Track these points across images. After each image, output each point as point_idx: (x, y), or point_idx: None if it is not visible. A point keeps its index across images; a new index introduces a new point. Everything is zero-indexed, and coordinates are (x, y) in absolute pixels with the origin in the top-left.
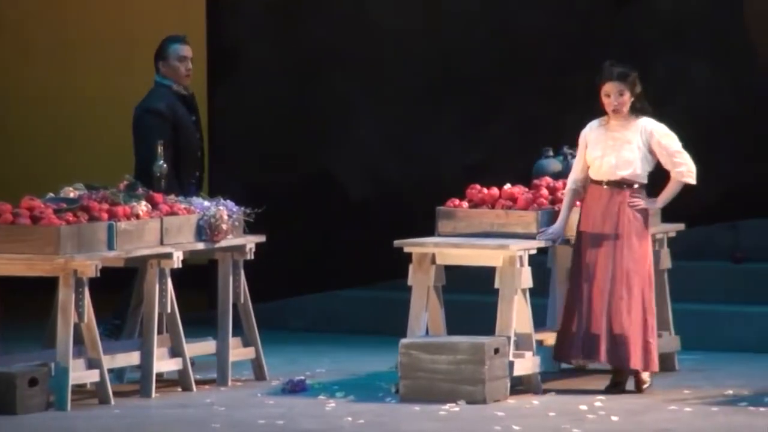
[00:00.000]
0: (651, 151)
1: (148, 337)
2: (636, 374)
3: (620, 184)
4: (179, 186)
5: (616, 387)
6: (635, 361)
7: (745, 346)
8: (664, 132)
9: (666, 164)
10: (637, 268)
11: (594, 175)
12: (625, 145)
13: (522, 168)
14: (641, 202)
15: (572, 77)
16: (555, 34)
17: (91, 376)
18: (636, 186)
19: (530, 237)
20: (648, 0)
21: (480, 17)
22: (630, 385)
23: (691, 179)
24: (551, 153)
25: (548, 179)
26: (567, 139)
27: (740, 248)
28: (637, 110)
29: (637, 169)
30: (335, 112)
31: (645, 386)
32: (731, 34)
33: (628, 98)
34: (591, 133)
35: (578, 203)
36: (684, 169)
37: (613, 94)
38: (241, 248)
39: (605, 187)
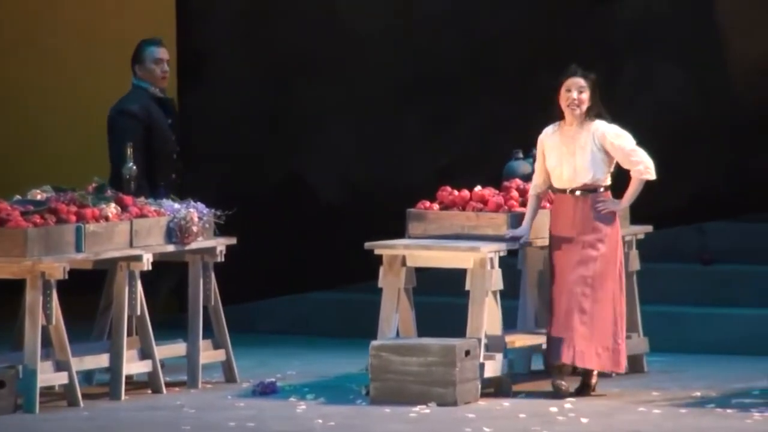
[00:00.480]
0: (607, 153)
1: (118, 339)
2: (589, 376)
3: (584, 191)
4: (149, 188)
5: (585, 389)
6: (604, 363)
7: (713, 347)
8: (616, 133)
9: (624, 164)
10: (608, 270)
11: (556, 183)
12: (579, 151)
13: (492, 170)
14: (608, 206)
15: (541, 79)
16: (524, 36)
17: (60, 379)
18: (600, 189)
19: (501, 239)
20: (616, 3)
21: (449, 20)
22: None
23: (650, 175)
24: (521, 155)
25: (518, 181)
26: (537, 141)
27: (707, 250)
28: (593, 114)
29: (596, 173)
30: (306, 115)
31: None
32: (698, 36)
33: (587, 99)
34: (547, 139)
35: (548, 205)
36: (642, 167)
37: (575, 89)
38: (211, 250)
39: (569, 194)
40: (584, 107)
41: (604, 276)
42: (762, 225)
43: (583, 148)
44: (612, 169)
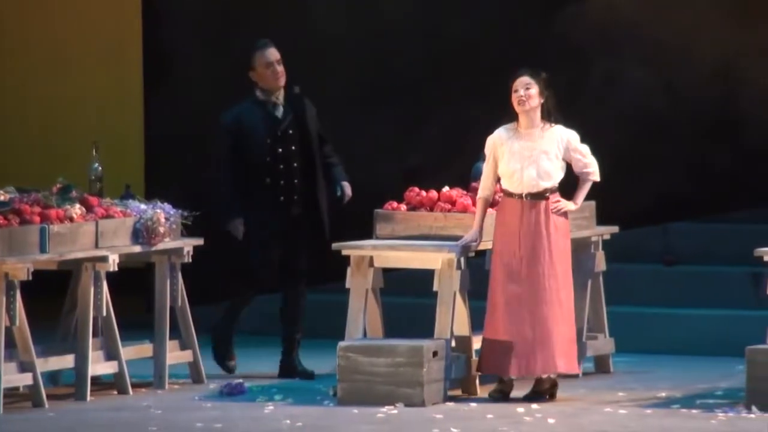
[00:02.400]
0: (564, 159)
1: (83, 340)
2: (541, 379)
3: (541, 195)
4: (242, 197)
5: (536, 395)
6: (561, 365)
7: (678, 348)
8: (577, 137)
9: (578, 167)
10: (564, 271)
11: (511, 187)
12: (542, 155)
13: (460, 171)
14: (564, 207)
15: (508, 81)
16: (489, 38)
17: (24, 380)
18: (555, 193)
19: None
20: (580, 3)
21: (415, 22)
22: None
23: (598, 176)
24: None
25: None
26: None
27: (670, 251)
28: (548, 116)
29: (556, 179)
30: None
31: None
32: (663, 38)
33: (536, 94)
34: (502, 144)
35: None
36: (594, 170)
37: (521, 87)
38: (178, 251)
39: (524, 199)
40: (533, 102)
41: (560, 278)
42: (725, 225)
43: (546, 153)
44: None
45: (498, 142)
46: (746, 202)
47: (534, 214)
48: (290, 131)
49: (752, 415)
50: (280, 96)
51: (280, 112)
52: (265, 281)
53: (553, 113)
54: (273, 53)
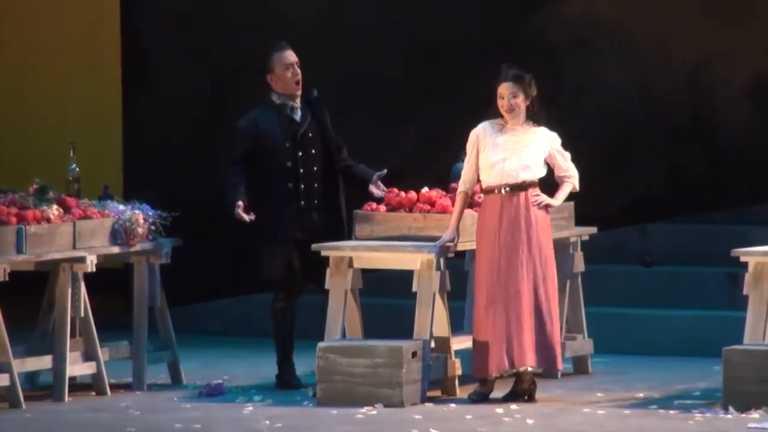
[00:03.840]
0: (547, 159)
1: (60, 341)
2: (520, 379)
3: (520, 187)
4: (258, 201)
5: (515, 395)
6: (538, 360)
7: (656, 348)
8: (559, 140)
9: (559, 170)
10: (548, 266)
11: (491, 180)
12: (525, 149)
13: (439, 172)
14: (544, 200)
15: (485, 81)
16: (469, 38)
17: (1, 381)
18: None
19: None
20: (557, 4)
21: (393, 22)
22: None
23: (578, 185)
24: None
25: None
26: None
27: (649, 252)
28: (533, 116)
29: (536, 174)
30: None
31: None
32: (639, 39)
33: (522, 101)
34: (486, 136)
35: (474, 209)
36: (575, 174)
37: (507, 95)
38: (157, 252)
39: (503, 192)
40: (519, 110)
41: (544, 273)
42: (702, 226)
43: (529, 147)
44: (544, 176)
45: (482, 134)
46: (722, 202)
47: (513, 207)
48: (310, 134)
49: (729, 416)
50: (298, 99)
51: (298, 115)
52: (291, 287)
53: (537, 114)
54: (291, 55)
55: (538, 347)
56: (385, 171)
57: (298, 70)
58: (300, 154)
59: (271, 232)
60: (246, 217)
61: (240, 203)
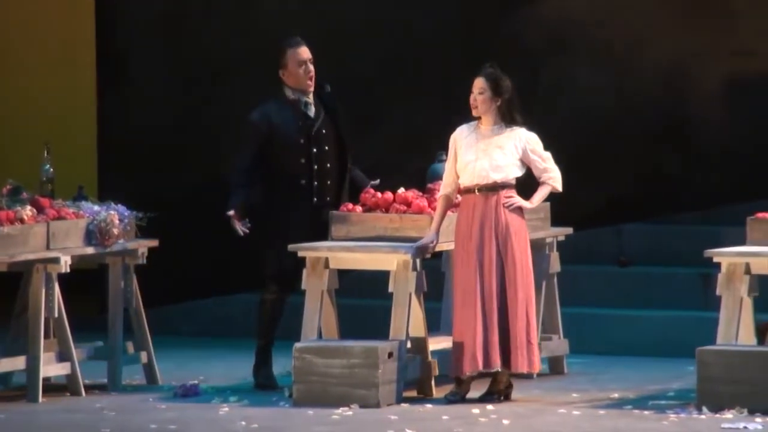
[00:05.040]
0: (522, 159)
1: (34, 341)
2: (496, 380)
3: (493, 188)
4: (277, 193)
5: (491, 396)
6: (522, 364)
7: (631, 349)
8: (537, 140)
9: (537, 171)
10: (522, 267)
11: (466, 180)
12: (497, 150)
13: (416, 172)
14: (516, 201)
15: (463, 82)
16: (444, 39)
17: None
18: (506, 188)
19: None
20: (533, 6)
21: (368, 22)
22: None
23: (558, 186)
24: (445, 157)
25: None
26: None
27: (624, 252)
28: (507, 118)
29: (509, 174)
30: (227, 116)
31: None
32: (615, 40)
33: (488, 98)
34: (461, 138)
35: (452, 210)
36: (554, 175)
37: (475, 91)
38: (133, 252)
39: (477, 193)
40: (482, 108)
41: (518, 274)
42: (676, 227)
43: (501, 148)
44: (521, 176)
45: (459, 136)
46: (697, 203)
47: (486, 208)
48: (324, 131)
49: (703, 416)
50: (311, 95)
51: (312, 111)
52: (287, 283)
53: (512, 115)
54: (305, 51)
55: (508, 348)
56: (378, 181)
57: (311, 67)
58: (314, 150)
59: (283, 233)
60: (239, 229)
61: (232, 212)
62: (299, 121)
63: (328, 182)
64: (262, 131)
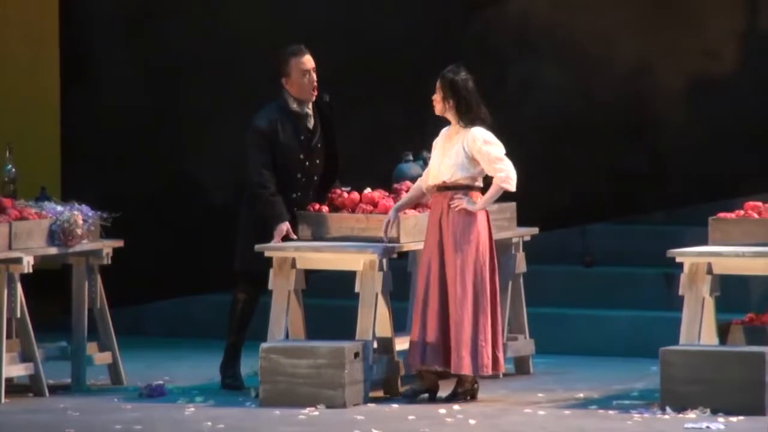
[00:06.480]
0: (473, 158)
1: None
2: (461, 379)
3: (443, 188)
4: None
5: (456, 396)
6: (463, 366)
7: (596, 349)
8: (485, 139)
9: (488, 170)
10: (464, 270)
11: (429, 181)
12: (449, 150)
13: (382, 172)
14: (462, 203)
15: (428, 82)
16: (410, 39)
17: None
18: (458, 189)
19: (391, 241)
20: (499, 6)
21: (336, 23)
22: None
23: (510, 186)
24: (411, 157)
25: (408, 183)
26: (426, 144)
27: (589, 252)
28: (463, 119)
29: (455, 174)
30: (194, 116)
31: (465, 390)
32: (581, 40)
33: (440, 100)
34: (438, 139)
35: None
36: (503, 175)
37: (436, 91)
38: (97, 253)
39: (436, 193)
40: (438, 108)
41: (462, 274)
42: (641, 227)
43: (452, 148)
44: (473, 174)
45: (438, 137)
46: (661, 203)
47: (440, 208)
48: (319, 145)
49: (666, 416)
50: (311, 104)
51: (311, 123)
52: (260, 284)
53: (468, 116)
54: (309, 61)
55: (448, 349)
56: (349, 188)
57: (315, 76)
58: (307, 164)
59: (269, 234)
60: (292, 237)
61: (287, 227)
62: (301, 135)
63: (310, 193)
64: (270, 139)
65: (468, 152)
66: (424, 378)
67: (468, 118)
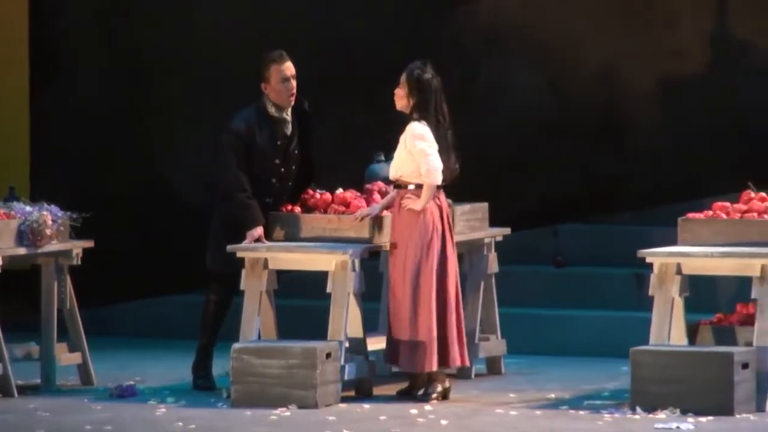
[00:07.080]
0: (411, 153)
1: None
2: (416, 378)
3: (396, 185)
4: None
5: (407, 393)
6: (407, 363)
7: (567, 349)
8: (413, 134)
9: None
10: (405, 268)
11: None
12: (399, 147)
13: (354, 173)
14: (408, 203)
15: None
16: (381, 38)
17: None
18: (411, 187)
19: (363, 241)
20: (470, 6)
21: (306, 23)
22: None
23: (431, 179)
24: (383, 158)
25: (380, 184)
26: (397, 144)
27: (560, 252)
28: (415, 114)
29: (398, 170)
30: (165, 115)
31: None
32: (551, 40)
33: (402, 96)
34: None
35: None
36: (424, 170)
37: (400, 86)
38: (67, 253)
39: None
40: (400, 104)
41: (394, 276)
42: (612, 227)
43: (399, 146)
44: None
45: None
46: (632, 203)
47: (394, 205)
48: (295, 151)
49: (637, 416)
50: (289, 110)
51: (288, 129)
52: (233, 285)
53: (418, 113)
54: (290, 68)
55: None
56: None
57: (294, 83)
58: (283, 170)
59: (241, 235)
60: (264, 243)
61: (260, 232)
62: (278, 141)
63: (284, 198)
64: (245, 143)
65: (406, 148)
66: (415, 377)
67: (419, 116)
